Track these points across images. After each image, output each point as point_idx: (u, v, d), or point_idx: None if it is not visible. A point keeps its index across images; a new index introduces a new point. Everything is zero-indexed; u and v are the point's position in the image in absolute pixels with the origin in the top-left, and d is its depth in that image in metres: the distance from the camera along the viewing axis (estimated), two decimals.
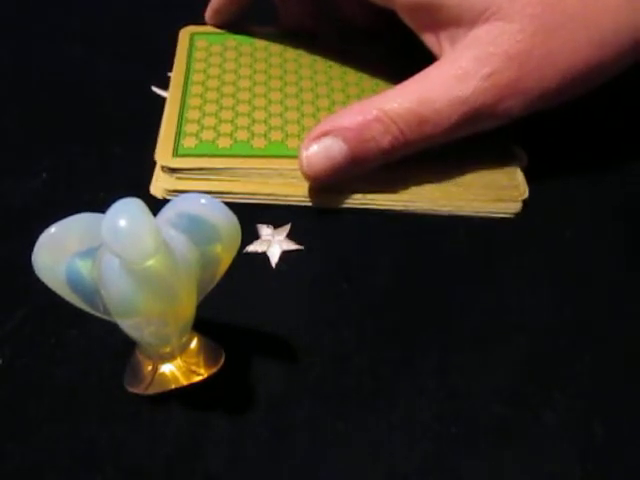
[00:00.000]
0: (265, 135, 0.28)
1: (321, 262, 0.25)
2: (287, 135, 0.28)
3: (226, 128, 0.28)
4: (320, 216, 0.27)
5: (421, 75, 0.26)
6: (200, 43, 0.32)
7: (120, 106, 0.31)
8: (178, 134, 0.27)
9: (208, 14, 0.33)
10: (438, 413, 0.21)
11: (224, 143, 0.27)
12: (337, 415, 0.21)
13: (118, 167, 0.28)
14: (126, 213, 0.15)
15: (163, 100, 0.30)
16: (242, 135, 0.28)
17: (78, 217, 0.17)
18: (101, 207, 0.16)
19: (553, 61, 0.25)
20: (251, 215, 0.26)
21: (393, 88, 0.26)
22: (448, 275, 0.25)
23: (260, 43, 0.33)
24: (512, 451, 0.20)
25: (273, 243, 0.25)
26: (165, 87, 0.32)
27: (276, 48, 0.32)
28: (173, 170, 0.26)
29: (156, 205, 0.18)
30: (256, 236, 0.26)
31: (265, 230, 0.26)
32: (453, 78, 0.25)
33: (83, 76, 0.33)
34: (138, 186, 0.27)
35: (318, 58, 0.32)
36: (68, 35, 0.35)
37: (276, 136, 0.28)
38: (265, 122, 0.28)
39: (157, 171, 0.27)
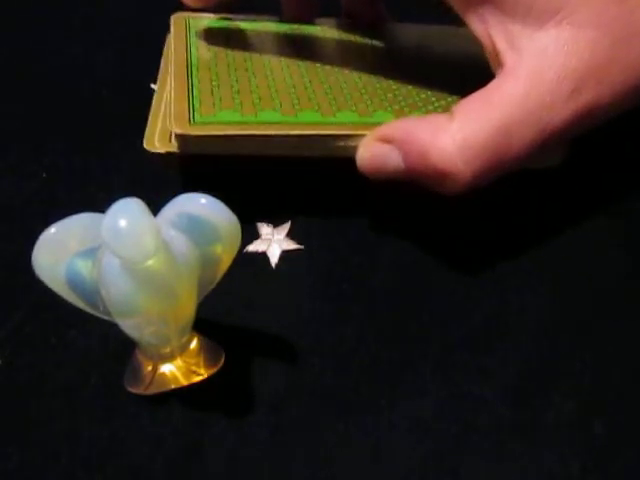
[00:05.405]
0: (293, 104, 0.24)
1: (321, 262, 0.25)
2: (318, 105, 0.25)
3: (247, 97, 0.24)
4: (320, 216, 0.27)
5: (495, 93, 0.22)
6: (198, 25, 0.29)
7: (120, 106, 0.31)
8: (191, 102, 0.24)
9: None
10: (438, 413, 0.21)
11: (248, 111, 0.24)
12: (337, 415, 0.21)
13: (118, 167, 0.28)
14: (126, 213, 0.15)
15: None
16: (267, 104, 0.24)
17: (78, 217, 0.17)
18: (101, 207, 0.16)
19: (627, 76, 0.22)
20: (251, 214, 0.26)
21: (465, 103, 0.23)
22: (448, 275, 0.25)
23: (265, 26, 0.30)
24: (512, 451, 0.20)
25: (273, 243, 0.25)
26: None
27: (283, 32, 0.30)
28: (190, 140, 0.23)
29: (156, 205, 0.18)
30: (256, 235, 0.26)
31: (265, 229, 0.26)
32: (534, 101, 0.22)
33: (83, 75, 0.33)
34: (138, 186, 0.27)
35: (328, 44, 0.30)
36: (68, 35, 0.35)
37: (305, 104, 0.25)
38: (289, 93, 0.25)
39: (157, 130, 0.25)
